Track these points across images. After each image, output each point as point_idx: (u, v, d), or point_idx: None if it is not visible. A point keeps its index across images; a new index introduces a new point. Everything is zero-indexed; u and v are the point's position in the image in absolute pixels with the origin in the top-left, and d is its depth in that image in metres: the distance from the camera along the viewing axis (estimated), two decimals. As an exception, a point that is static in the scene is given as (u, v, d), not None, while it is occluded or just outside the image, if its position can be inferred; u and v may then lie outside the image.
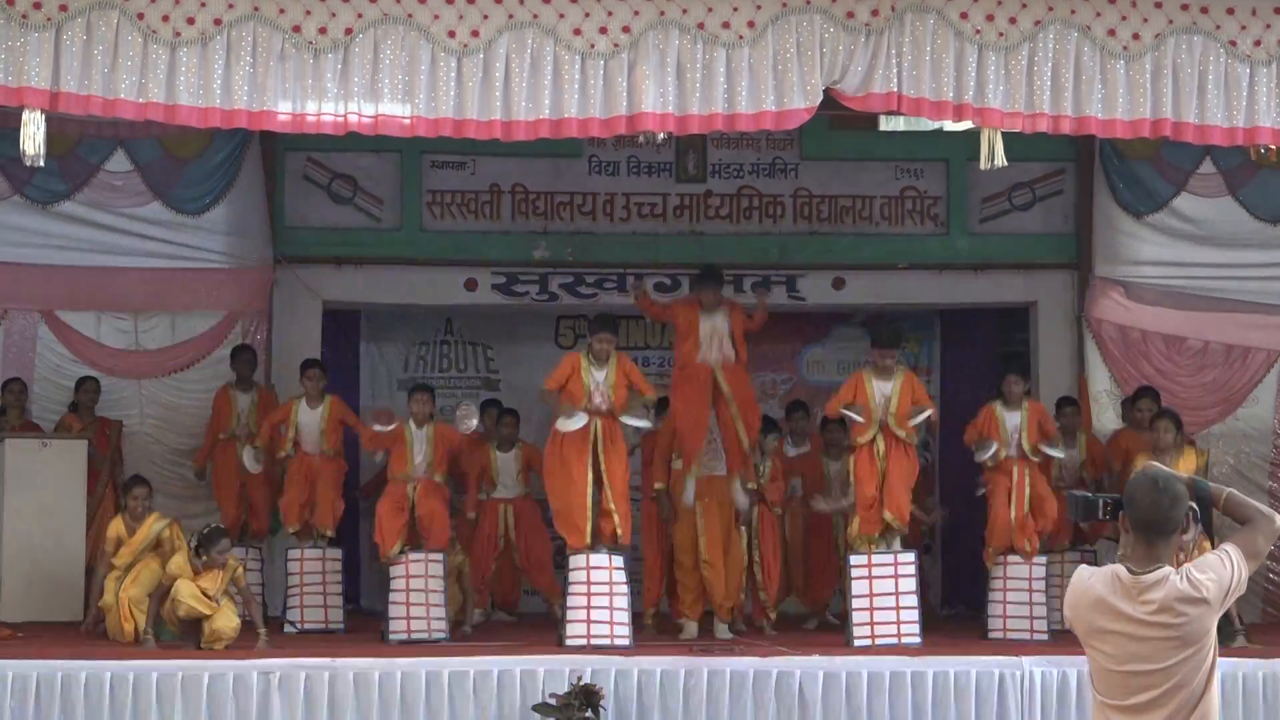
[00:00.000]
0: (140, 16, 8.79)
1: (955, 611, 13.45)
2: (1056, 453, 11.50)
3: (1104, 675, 4.70)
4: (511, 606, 12.90)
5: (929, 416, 11.18)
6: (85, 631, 11.08)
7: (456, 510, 11.91)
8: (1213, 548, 4.71)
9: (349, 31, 8.93)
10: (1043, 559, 11.25)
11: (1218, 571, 4.63)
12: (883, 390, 10.90)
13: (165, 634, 10.50)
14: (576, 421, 10.60)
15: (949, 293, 13.92)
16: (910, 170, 13.93)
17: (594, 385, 10.70)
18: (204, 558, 10.39)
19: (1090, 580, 4.74)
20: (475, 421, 11.68)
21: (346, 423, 12.00)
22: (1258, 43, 9.36)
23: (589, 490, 10.57)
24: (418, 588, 10.80)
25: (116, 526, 11.01)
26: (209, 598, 10.28)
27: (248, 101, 8.87)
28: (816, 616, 12.46)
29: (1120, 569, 4.68)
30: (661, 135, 9.22)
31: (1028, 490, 11.20)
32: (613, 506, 10.53)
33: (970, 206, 13.86)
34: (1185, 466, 10.82)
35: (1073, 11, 9.27)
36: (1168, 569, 4.64)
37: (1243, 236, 13.21)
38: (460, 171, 13.70)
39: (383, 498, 11.19)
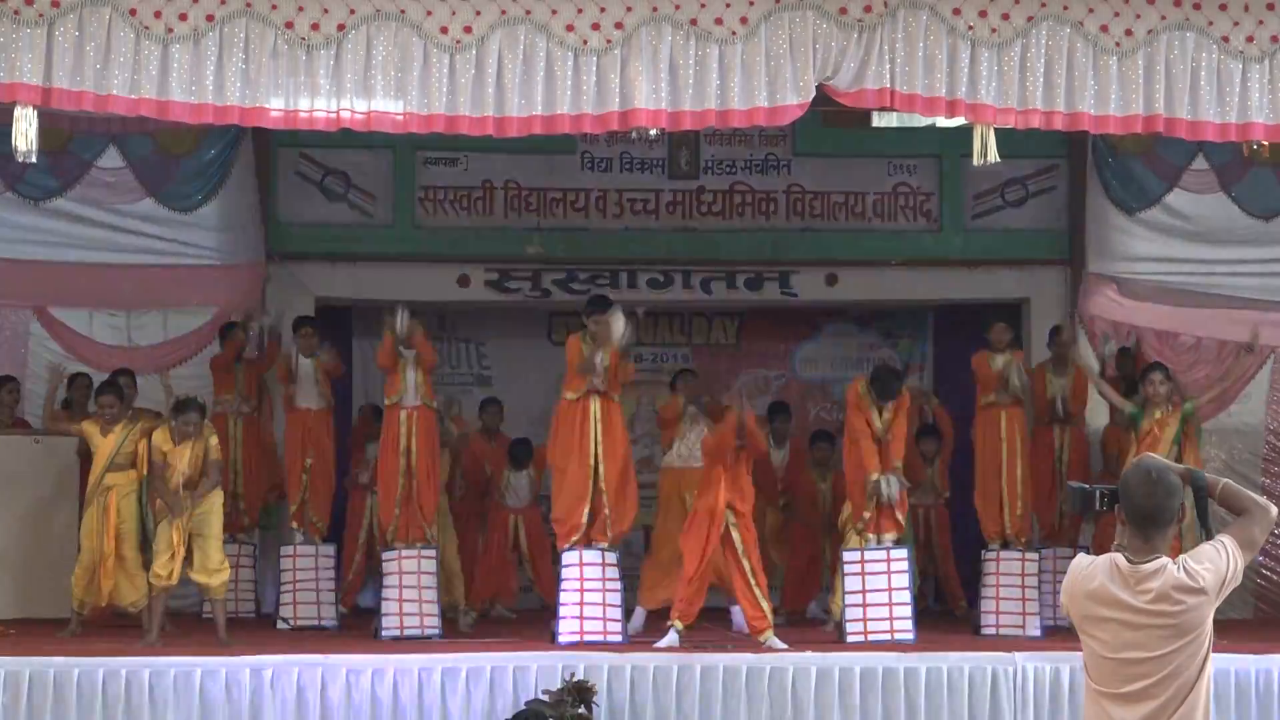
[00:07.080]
0: (133, 12, 8.77)
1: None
2: None
3: (1099, 663, 4.71)
4: (509, 602, 12.90)
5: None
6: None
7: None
8: (1208, 539, 4.72)
9: (341, 28, 8.92)
10: (1035, 555, 11.26)
11: (1214, 561, 4.64)
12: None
13: None
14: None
15: (942, 289, 13.94)
16: (903, 166, 13.94)
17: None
18: (174, 425, 10.45)
19: (1088, 568, 4.75)
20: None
21: (334, 371, 12.18)
22: (1250, 39, 9.35)
23: (590, 470, 10.48)
24: (410, 584, 10.79)
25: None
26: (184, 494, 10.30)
27: (240, 98, 8.86)
28: (790, 615, 12.35)
29: (1119, 557, 4.70)
30: (654, 131, 9.21)
31: (1018, 436, 11.31)
32: (605, 499, 10.48)
33: (963, 202, 13.87)
34: (1174, 422, 10.95)
35: (1065, 8, 9.26)
36: (1165, 559, 4.65)
37: (1235, 232, 13.22)
38: (453, 168, 13.70)
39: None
